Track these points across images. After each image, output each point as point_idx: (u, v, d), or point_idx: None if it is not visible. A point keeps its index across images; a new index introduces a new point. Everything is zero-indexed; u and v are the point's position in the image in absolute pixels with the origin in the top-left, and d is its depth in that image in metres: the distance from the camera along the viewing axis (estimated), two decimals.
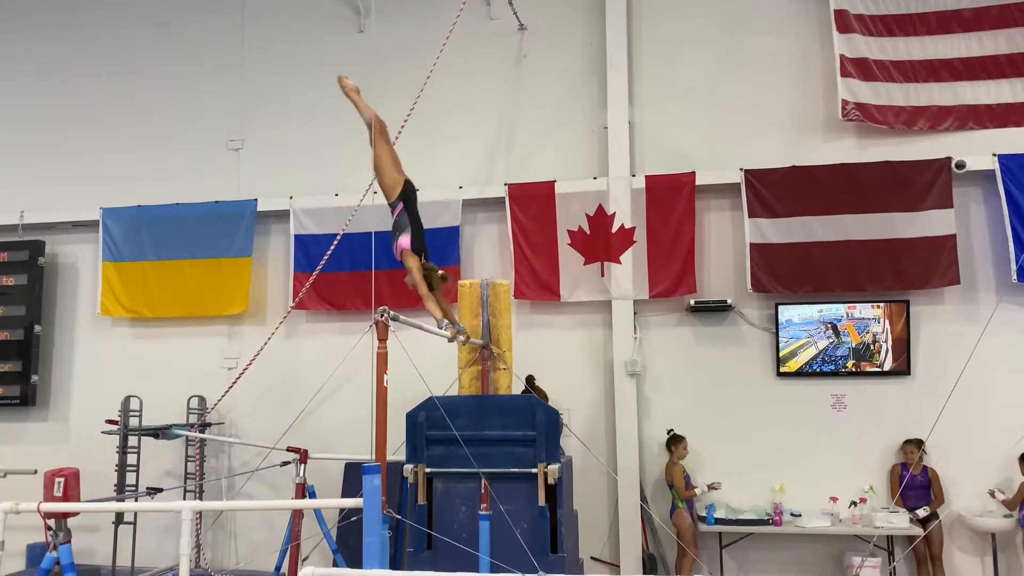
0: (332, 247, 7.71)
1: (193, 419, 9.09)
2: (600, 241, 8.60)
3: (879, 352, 8.10)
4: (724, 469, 8.13)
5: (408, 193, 6.01)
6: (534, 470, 5.90)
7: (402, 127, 7.39)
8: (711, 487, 7.91)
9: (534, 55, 9.20)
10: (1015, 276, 7.72)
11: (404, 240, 5.85)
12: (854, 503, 7.76)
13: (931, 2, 8.37)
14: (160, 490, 7.73)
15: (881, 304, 8.10)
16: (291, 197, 9.31)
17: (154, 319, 9.59)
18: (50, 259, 9.96)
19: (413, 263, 5.76)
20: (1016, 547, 7.53)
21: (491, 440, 6.03)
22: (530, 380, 7.90)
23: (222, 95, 9.84)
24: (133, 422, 8.68)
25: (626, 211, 8.54)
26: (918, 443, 7.62)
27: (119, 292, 9.54)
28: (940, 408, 6.86)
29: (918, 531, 7.36)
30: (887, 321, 8.09)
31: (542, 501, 5.88)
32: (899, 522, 7.42)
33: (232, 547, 9.24)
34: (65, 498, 5.51)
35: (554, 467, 5.90)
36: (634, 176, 8.61)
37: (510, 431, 6.05)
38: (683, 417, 8.35)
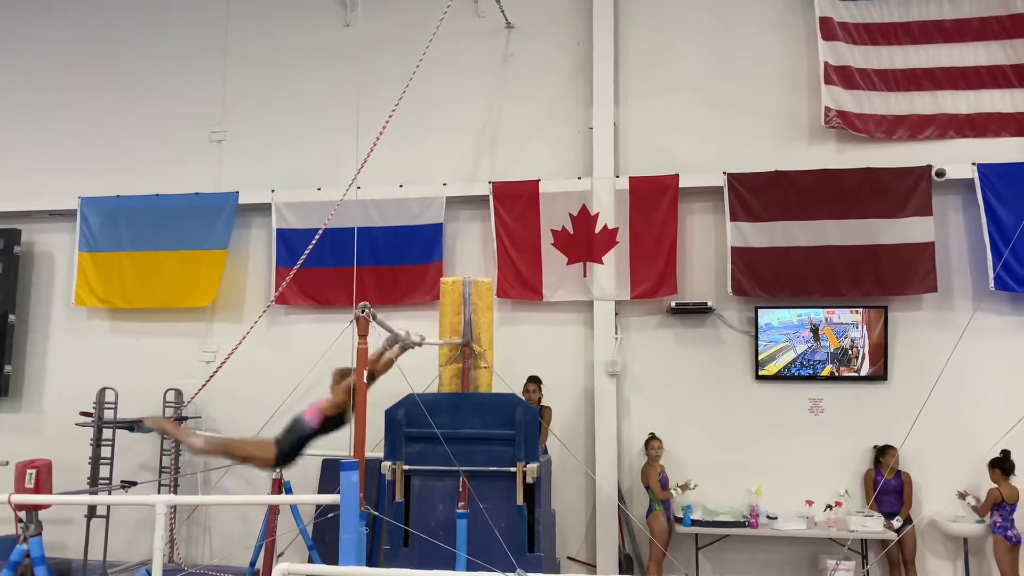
0: (314, 241, 7.66)
1: (170, 412, 9.01)
2: (583, 241, 8.61)
3: (857, 357, 8.17)
4: (702, 471, 8.16)
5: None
6: (513, 469, 5.90)
7: (387, 123, 7.36)
8: (683, 487, 7.90)
9: (521, 54, 9.19)
10: (992, 284, 7.82)
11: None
12: (829, 506, 7.81)
13: (914, 12, 8.46)
14: (134, 483, 7.66)
15: (860, 309, 8.16)
16: (273, 190, 9.25)
17: (131, 311, 9.49)
18: (26, 248, 9.82)
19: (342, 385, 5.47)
20: (987, 552, 7.62)
21: (470, 438, 6.02)
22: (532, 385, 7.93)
23: (205, 86, 9.76)
24: (108, 414, 8.58)
25: (609, 212, 8.55)
26: (892, 448, 7.68)
27: (94, 282, 9.43)
28: (916, 414, 6.94)
29: (892, 535, 7.43)
30: (865, 327, 8.16)
31: (520, 500, 5.88)
32: (873, 526, 7.49)
33: (207, 542, 9.17)
34: (37, 490, 5.44)
35: (533, 466, 5.90)
36: (618, 177, 8.62)
37: (489, 429, 6.04)
38: (662, 418, 8.37)
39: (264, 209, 9.30)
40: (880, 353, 8.11)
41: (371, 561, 6.55)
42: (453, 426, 6.01)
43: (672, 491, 7.82)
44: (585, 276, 8.58)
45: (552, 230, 8.69)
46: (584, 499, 8.46)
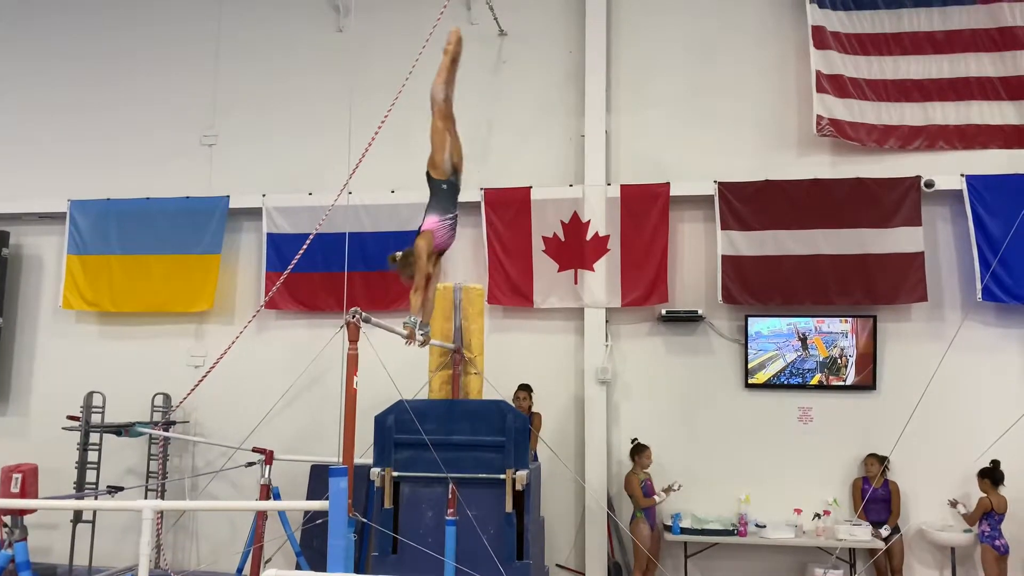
0: (304, 246, 7.65)
1: (157, 417, 8.96)
2: (574, 248, 8.62)
3: (846, 366, 8.20)
4: (690, 478, 8.15)
5: (454, 184, 5.69)
6: (502, 476, 5.89)
7: (379, 128, 7.36)
8: (667, 490, 7.84)
9: (513, 61, 9.21)
10: (980, 295, 7.86)
11: (431, 221, 5.49)
12: (818, 515, 7.82)
13: (905, 23, 8.51)
14: (121, 488, 7.61)
15: (849, 319, 8.20)
16: (264, 195, 9.23)
17: (120, 315, 9.44)
18: (14, 250, 9.76)
19: (424, 245, 5.36)
20: (975, 561, 7.65)
21: (460, 445, 6.02)
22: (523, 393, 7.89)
23: (196, 89, 9.74)
24: (95, 418, 8.53)
25: (601, 219, 8.57)
26: (881, 458, 7.72)
27: (82, 285, 9.38)
28: (904, 423, 6.98)
29: (880, 544, 7.44)
30: (854, 336, 8.19)
31: (509, 507, 5.88)
32: (861, 535, 7.51)
33: (194, 548, 9.11)
34: (22, 494, 5.42)
35: (522, 473, 5.90)
36: (609, 185, 8.64)
37: (479, 436, 6.05)
38: (652, 426, 8.38)
39: (255, 213, 9.27)
40: (868, 362, 8.14)
41: (359, 568, 6.54)
42: (443, 433, 6.01)
43: (656, 497, 7.80)
44: (576, 283, 8.59)
45: (543, 237, 8.69)
46: (574, 506, 8.45)
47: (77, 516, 8.23)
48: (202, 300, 9.17)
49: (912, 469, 7.85)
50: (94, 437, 8.52)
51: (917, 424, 7.08)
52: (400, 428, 6.08)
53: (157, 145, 9.72)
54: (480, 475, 5.94)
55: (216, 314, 9.30)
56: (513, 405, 7.07)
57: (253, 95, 9.64)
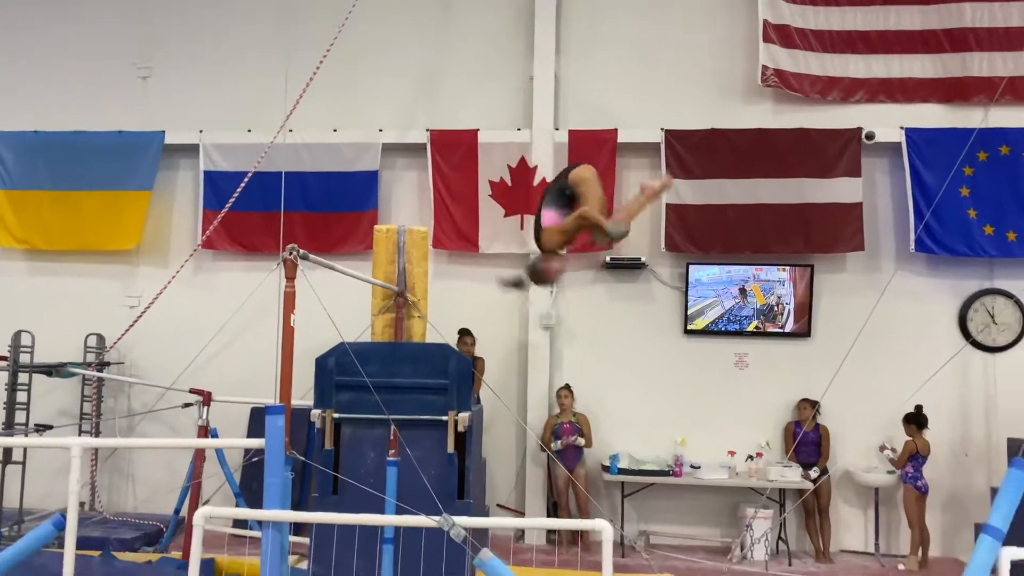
0: (242, 185, 7.45)
1: (91, 358, 8.73)
2: (521, 193, 8.56)
3: (783, 314, 8.39)
4: (629, 421, 8.34)
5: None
6: (444, 417, 5.90)
7: (320, 63, 7.15)
8: (565, 441, 7.94)
9: (462, 1, 8.98)
10: (913, 246, 8.08)
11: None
12: (750, 457, 8.08)
13: None
14: (50, 427, 7.41)
15: (787, 268, 8.36)
16: (201, 131, 8.92)
17: (51, 252, 9.12)
18: None
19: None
20: (896, 501, 8.01)
21: (402, 387, 5.99)
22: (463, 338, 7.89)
23: (130, 18, 9.31)
24: (24, 358, 8.25)
25: (548, 164, 8.51)
26: (812, 402, 7.96)
27: (10, 222, 9.03)
28: (836, 369, 7.18)
29: (808, 485, 7.72)
30: (792, 284, 8.37)
31: (451, 448, 5.90)
32: (791, 476, 7.78)
33: (130, 490, 8.99)
34: None
35: (464, 415, 5.91)
36: (557, 130, 8.58)
37: (422, 379, 6.02)
38: (593, 370, 8.48)
39: (192, 150, 8.97)
40: (805, 311, 8.34)
41: (299, 507, 6.53)
42: (385, 375, 5.96)
43: (553, 444, 7.93)
44: (522, 229, 8.55)
45: (490, 181, 8.62)
46: (515, 449, 8.56)
47: (7, 456, 8.00)
48: (130, 238, 8.89)
49: (842, 413, 8.12)
50: (23, 377, 8.25)
51: (849, 370, 7.30)
52: (341, 370, 6.02)
53: (88, 76, 9.29)
54: (422, 416, 5.94)
55: (151, 253, 9.04)
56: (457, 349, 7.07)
57: (190, 26, 9.25)
